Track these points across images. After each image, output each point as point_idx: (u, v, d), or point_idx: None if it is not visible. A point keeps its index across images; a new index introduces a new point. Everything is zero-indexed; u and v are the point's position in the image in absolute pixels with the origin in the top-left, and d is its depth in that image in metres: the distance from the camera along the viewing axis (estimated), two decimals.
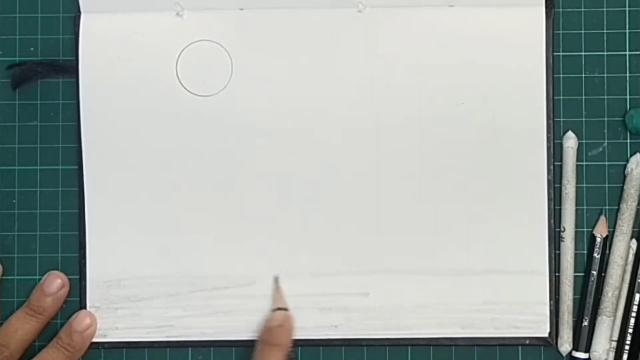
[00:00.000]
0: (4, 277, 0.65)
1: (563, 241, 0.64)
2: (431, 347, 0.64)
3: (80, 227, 0.65)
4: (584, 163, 0.64)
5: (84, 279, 0.65)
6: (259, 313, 0.64)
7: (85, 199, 0.65)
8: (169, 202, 0.64)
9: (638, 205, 0.64)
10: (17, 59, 0.66)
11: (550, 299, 0.63)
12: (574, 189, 0.64)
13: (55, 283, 0.64)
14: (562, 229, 0.64)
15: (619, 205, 0.64)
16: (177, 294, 0.65)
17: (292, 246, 0.64)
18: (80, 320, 0.64)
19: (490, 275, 0.64)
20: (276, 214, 0.64)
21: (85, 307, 0.65)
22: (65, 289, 0.65)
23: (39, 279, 0.65)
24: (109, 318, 0.65)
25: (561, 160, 0.64)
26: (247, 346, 0.64)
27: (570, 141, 0.64)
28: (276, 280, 0.64)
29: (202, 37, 0.65)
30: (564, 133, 0.64)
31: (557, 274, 0.64)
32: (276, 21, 0.64)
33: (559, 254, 0.64)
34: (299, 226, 0.64)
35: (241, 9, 0.64)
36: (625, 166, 0.64)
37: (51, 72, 0.65)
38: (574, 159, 0.64)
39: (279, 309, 0.64)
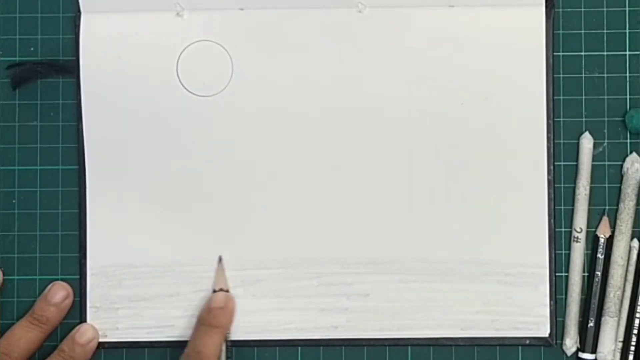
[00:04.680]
0: (4, 277, 0.65)
1: (578, 242, 0.64)
2: (431, 347, 0.64)
3: (80, 227, 0.65)
4: None
5: (84, 279, 0.65)
6: (259, 313, 0.64)
7: (87, 199, 0.65)
8: (170, 203, 0.64)
9: (637, 205, 0.64)
10: (17, 59, 0.66)
11: (551, 299, 0.63)
12: (589, 190, 0.64)
13: (60, 293, 0.64)
14: (579, 230, 0.64)
15: (617, 205, 0.64)
16: (177, 294, 0.65)
17: (293, 248, 0.64)
18: (82, 333, 0.64)
19: (490, 276, 0.64)
20: (277, 215, 0.64)
21: (85, 307, 0.65)
22: (70, 300, 0.64)
23: (39, 279, 0.65)
24: (109, 318, 0.65)
25: (577, 160, 0.64)
26: (247, 346, 0.65)
27: (588, 142, 0.64)
28: (219, 260, 0.64)
29: (202, 37, 0.65)
30: (581, 133, 0.64)
31: (566, 275, 0.64)
32: (276, 21, 0.64)
33: (569, 255, 0.64)
34: (299, 227, 0.64)
35: (241, 9, 0.64)
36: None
37: (51, 72, 0.65)
38: (590, 159, 0.64)
39: (221, 290, 0.64)
